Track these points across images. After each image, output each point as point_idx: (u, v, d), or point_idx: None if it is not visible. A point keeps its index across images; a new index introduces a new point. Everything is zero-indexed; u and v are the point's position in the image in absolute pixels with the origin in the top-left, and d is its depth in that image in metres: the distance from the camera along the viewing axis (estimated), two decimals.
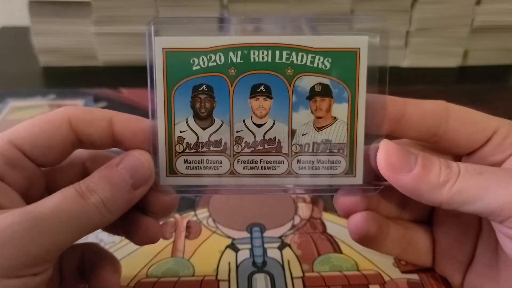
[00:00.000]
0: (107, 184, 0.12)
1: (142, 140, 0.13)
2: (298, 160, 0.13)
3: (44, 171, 0.14)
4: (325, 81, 0.13)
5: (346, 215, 0.15)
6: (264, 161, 0.13)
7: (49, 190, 0.14)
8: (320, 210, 0.20)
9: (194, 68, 0.13)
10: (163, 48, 0.13)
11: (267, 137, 0.13)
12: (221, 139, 0.13)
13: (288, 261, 0.17)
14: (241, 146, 0.13)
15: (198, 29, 0.13)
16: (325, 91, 0.13)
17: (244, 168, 0.13)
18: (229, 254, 0.18)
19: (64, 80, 0.34)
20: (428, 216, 0.16)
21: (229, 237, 0.19)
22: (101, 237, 0.18)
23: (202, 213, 0.20)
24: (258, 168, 0.13)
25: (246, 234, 0.19)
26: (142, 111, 0.32)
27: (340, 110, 0.13)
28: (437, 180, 0.12)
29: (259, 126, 0.13)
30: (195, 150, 0.13)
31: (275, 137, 0.13)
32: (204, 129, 0.13)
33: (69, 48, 0.35)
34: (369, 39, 0.13)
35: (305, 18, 0.14)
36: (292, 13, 0.35)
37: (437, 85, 0.33)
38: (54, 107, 0.29)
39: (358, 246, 0.18)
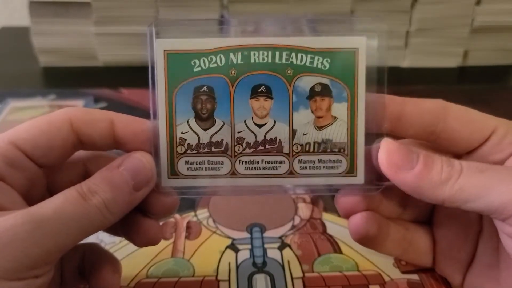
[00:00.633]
0: (108, 185, 0.12)
1: (143, 142, 0.13)
2: (299, 160, 0.13)
3: (45, 172, 0.14)
4: (325, 81, 0.13)
5: (347, 215, 0.15)
6: (265, 161, 0.14)
7: (50, 191, 0.14)
8: (320, 211, 0.20)
9: (195, 69, 0.13)
10: (164, 50, 0.13)
11: (268, 137, 0.13)
12: (222, 139, 0.13)
13: (288, 262, 0.17)
14: (242, 146, 0.13)
15: (199, 31, 0.13)
16: (324, 91, 0.13)
17: (245, 168, 0.13)
18: (229, 254, 0.18)
19: (64, 80, 0.34)
20: (429, 216, 0.16)
21: (229, 237, 0.19)
22: (101, 238, 0.19)
23: (202, 214, 0.20)
24: (260, 168, 0.14)
25: (246, 235, 0.19)
26: (142, 111, 0.32)
27: (340, 109, 0.13)
28: (439, 177, 0.12)
29: (260, 126, 0.13)
30: (196, 151, 0.13)
31: (276, 137, 0.13)
32: (205, 130, 0.13)
33: (69, 49, 0.35)
34: (367, 39, 0.13)
35: (305, 19, 0.14)
36: (292, 13, 0.35)
37: (437, 85, 0.33)
38: (55, 107, 0.29)
39: (358, 247, 0.18)
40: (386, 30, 0.13)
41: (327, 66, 0.13)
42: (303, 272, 0.17)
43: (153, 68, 0.13)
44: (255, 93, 0.13)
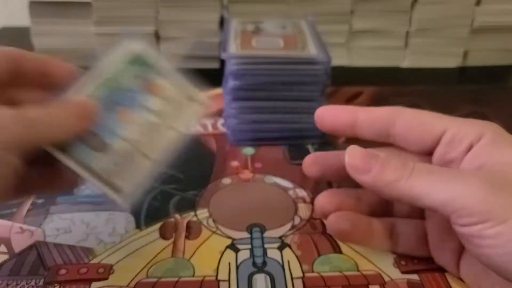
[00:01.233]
0: (60, 108, 0.14)
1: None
2: None
3: None
4: None
5: (324, 216, 0.17)
6: None
7: None
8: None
9: None
10: None
11: None
12: None
13: (288, 262, 0.17)
14: None
15: None
16: None
17: None
18: (229, 254, 0.18)
19: None
20: (420, 212, 0.17)
21: (229, 237, 0.19)
22: (101, 238, 0.19)
23: (202, 214, 0.20)
24: None
25: (246, 235, 0.19)
26: None
27: None
28: (391, 178, 0.14)
29: None
30: None
31: None
32: None
33: (69, 49, 0.35)
34: None
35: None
36: (292, 14, 0.35)
37: (437, 86, 0.33)
38: None
39: (358, 247, 0.18)
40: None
41: None
42: (303, 272, 0.17)
43: None
44: None
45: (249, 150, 0.25)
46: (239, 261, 0.17)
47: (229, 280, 0.16)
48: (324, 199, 0.17)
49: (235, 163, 0.24)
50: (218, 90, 0.30)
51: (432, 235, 0.16)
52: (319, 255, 0.18)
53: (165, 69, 0.16)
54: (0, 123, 0.12)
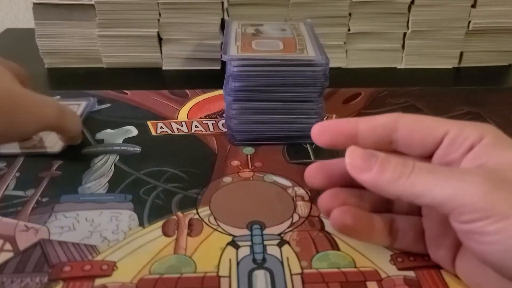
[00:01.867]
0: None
1: None
2: None
3: None
4: None
5: (328, 214, 0.17)
6: None
7: None
8: (318, 208, 0.21)
9: None
10: None
11: None
12: None
13: (287, 258, 0.18)
14: None
15: None
16: None
17: None
18: (230, 251, 0.18)
19: (69, 81, 0.34)
20: (417, 209, 0.17)
21: (230, 234, 0.19)
22: (105, 235, 0.19)
23: (203, 211, 0.20)
24: None
25: (246, 232, 0.19)
26: (146, 112, 0.33)
27: None
28: (392, 176, 0.14)
29: None
30: None
31: None
32: None
33: (73, 50, 0.35)
34: None
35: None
36: (292, 17, 0.35)
37: (433, 86, 0.33)
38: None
39: (356, 244, 0.18)
40: None
41: None
42: (302, 269, 0.17)
43: None
44: None
45: (249, 150, 0.25)
46: (239, 258, 0.18)
47: (229, 276, 0.17)
48: (328, 197, 0.17)
49: (235, 163, 0.24)
50: (219, 91, 0.31)
51: (428, 232, 0.17)
52: (317, 252, 0.18)
53: None
54: None
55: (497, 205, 0.13)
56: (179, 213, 0.20)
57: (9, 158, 0.24)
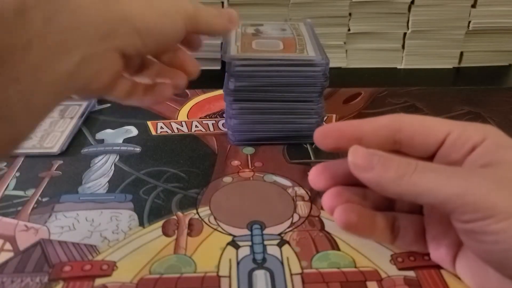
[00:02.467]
0: (218, 10, 0.18)
1: None
2: None
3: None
4: None
5: (332, 212, 0.17)
6: None
7: None
8: (318, 208, 0.21)
9: None
10: None
11: None
12: None
13: (288, 258, 0.18)
14: None
15: None
16: None
17: None
18: (230, 251, 0.18)
19: None
20: (419, 208, 0.17)
21: (230, 234, 0.19)
22: (105, 235, 0.19)
23: (203, 211, 0.20)
24: None
25: (246, 232, 0.19)
26: (145, 112, 0.33)
27: None
28: (395, 174, 0.14)
29: None
30: None
31: None
32: None
33: None
34: None
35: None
36: (292, 17, 0.35)
37: (433, 86, 0.33)
38: (60, 107, 0.29)
39: (356, 244, 0.18)
40: None
41: None
42: (302, 268, 0.17)
43: None
44: None
45: (249, 150, 0.25)
46: (239, 258, 0.18)
47: (229, 276, 0.17)
48: (331, 195, 0.17)
49: (235, 162, 0.24)
50: (219, 91, 0.31)
51: (430, 231, 0.17)
52: (317, 251, 0.18)
53: None
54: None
55: (500, 205, 0.13)
56: (179, 213, 0.20)
57: (10, 158, 0.24)
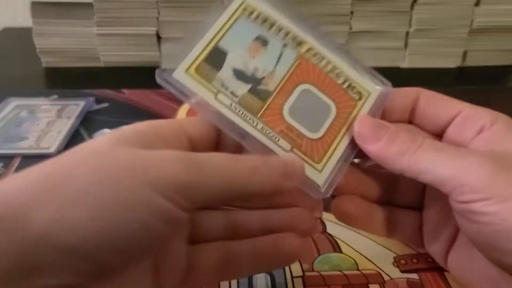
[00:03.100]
0: (260, 159, 0.12)
1: None
2: None
3: None
4: None
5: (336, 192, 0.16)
6: None
7: None
8: (320, 210, 0.20)
9: None
10: None
11: None
12: None
13: None
14: None
15: None
16: None
17: None
18: None
19: (66, 80, 0.34)
20: (419, 202, 0.17)
21: None
22: None
23: None
24: None
25: None
26: (143, 112, 0.32)
27: None
28: (399, 149, 0.14)
29: None
30: None
31: None
32: None
33: (71, 49, 0.35)
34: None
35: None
36: None
37: (436, 86, 0.33)
38: (57, 107, 0.29)
39: (358, 246, 0.18)
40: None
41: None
42: (303, 271, 0.17)
43: None
44: None
45: None
46: None
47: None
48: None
49: None
50: None
51: (427, 225, 0.17)
52: (319, 254, 0.18)
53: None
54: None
55: (499, 187, 0.13)
56: None
57: (7, 158, 0.24)
